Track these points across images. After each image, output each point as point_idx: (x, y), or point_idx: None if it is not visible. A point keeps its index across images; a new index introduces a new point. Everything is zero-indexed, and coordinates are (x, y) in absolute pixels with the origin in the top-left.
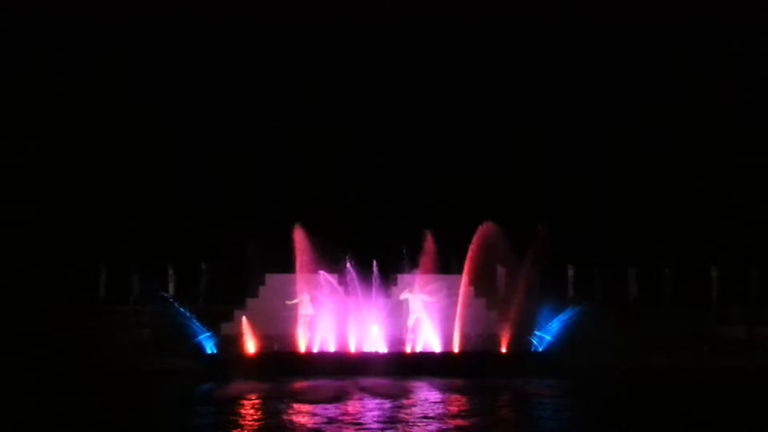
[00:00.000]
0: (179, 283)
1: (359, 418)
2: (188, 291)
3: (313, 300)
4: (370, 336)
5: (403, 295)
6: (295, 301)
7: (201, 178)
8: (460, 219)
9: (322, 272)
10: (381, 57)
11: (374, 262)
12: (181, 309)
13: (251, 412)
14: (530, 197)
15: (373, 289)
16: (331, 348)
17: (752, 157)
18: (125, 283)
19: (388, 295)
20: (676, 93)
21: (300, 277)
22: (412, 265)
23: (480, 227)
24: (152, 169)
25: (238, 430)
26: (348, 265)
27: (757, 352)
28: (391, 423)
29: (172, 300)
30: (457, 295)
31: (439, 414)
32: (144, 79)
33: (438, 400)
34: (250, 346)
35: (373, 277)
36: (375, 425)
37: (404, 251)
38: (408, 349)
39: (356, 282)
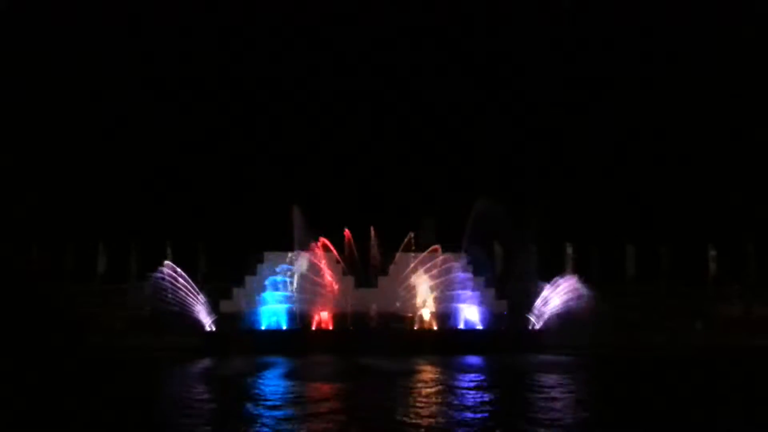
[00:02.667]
0: (178, 262)
1: (354, 396)
2: (187, 269)
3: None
4: (368, 313)
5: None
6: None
7: (200, 159)
8: (458, 197)
9: (321, 239)
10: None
11: (372, 231)
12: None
13: (250, 389)
14: (528, 175)
15: (371, 267)
16: (330, 325)
17: (751, 137)
18: (124, 261)
19: (386, 273)
20: (673, 70)
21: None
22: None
23: (476, 203)
24: (151, 151)
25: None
26: (346, 232)
27: (753, 329)
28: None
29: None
30: (455, 272)
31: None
32: (143, 59)
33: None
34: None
35: (371, 255)
36: (369, 403)
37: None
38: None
39: (354, 252)
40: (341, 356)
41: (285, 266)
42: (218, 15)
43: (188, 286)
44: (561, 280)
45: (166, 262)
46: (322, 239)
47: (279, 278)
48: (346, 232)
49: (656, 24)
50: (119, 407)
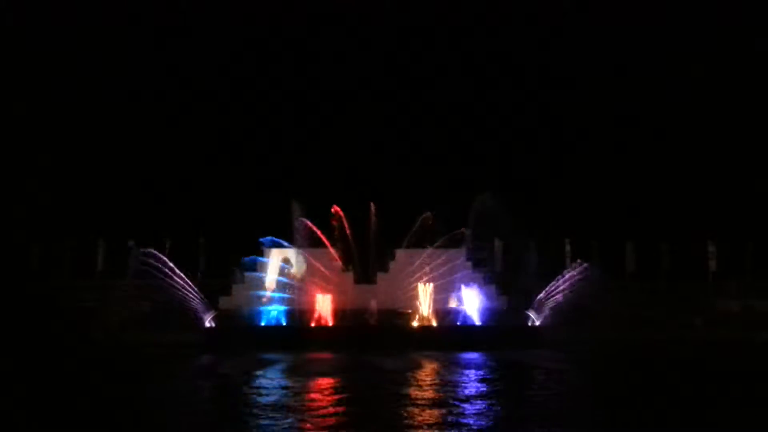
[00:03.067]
0: (177, 258)
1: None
2: (187, 265)
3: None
4: (368, 310)
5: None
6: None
7: (199, 155)
8: (457, 196)
9: (301, 219)
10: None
11: (372, 211)
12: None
13: (252, 385)
14: (529, 173)
15: (371, 261)
16: (329, 322)
17: (750, 133)
18: (123, 257)
19: (385, 269)
20: (674, 70)
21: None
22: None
23: (476, 199)
24: (149, 146)
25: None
26: (335, 208)
27: (753, 325)
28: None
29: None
30: (455, 268)
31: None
32: (143, 60)
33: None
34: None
35: (371, 248)
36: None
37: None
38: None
39: (348, 234)
40: (341, 353)
41: (283, 264)
42: (218, 15)
43: (172, 274)
44: (579, 267)
45: (142, 248)
46: (304, 220)
47: (278, 274)
48: (335, 208)
49: (657, 24)
50: (119, 405)
